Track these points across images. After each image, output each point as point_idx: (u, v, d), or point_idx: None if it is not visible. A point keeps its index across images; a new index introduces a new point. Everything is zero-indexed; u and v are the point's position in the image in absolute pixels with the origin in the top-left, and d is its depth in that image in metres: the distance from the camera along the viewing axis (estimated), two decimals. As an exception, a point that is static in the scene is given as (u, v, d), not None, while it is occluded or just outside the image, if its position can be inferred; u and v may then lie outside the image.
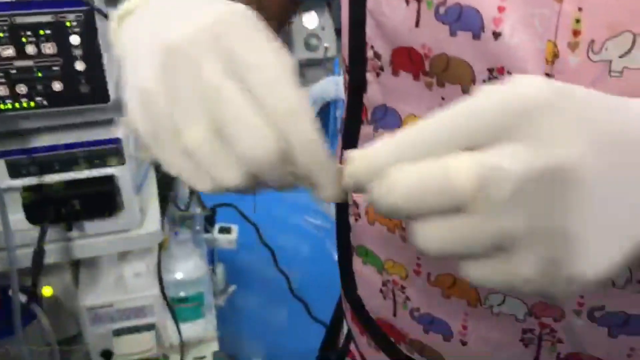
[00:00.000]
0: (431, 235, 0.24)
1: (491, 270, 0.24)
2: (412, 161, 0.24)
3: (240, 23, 0.28)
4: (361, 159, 0.26)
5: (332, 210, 1.15)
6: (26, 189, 0.81)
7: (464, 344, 0.45)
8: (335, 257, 1.29)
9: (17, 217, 0.80)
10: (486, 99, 0.24)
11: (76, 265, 1.11)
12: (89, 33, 0.71)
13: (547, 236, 0.24)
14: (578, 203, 0.24)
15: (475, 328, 0.44)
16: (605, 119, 0.25)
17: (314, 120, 0.27)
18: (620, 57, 0.33)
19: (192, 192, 1.26)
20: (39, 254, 0.81)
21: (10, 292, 0.84)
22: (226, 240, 1.44)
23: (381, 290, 0.48)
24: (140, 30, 0.32)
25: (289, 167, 0.27)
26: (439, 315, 0.45)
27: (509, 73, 0.36)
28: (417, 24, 0.39)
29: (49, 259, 0.86)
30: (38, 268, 0.82)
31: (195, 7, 0.29)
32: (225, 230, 1.46)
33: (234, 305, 1.66)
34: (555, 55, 0.35)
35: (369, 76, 0.44)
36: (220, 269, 1.56)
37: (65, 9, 0.69)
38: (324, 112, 1.14)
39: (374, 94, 0.45)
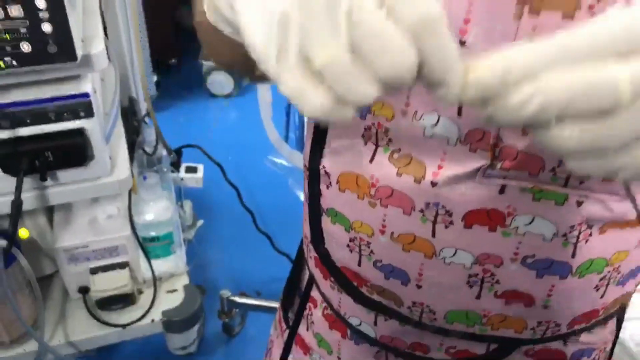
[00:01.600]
0: (574, 134, 0.26)
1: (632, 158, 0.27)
2: (564, 67, 0.26)
3: None
4: (492, 66, 0.27)
5: (291, 156, 1.22)
6: (1, 142, 0.85)
7: (419, 287, 0.52)
8: (297, 194, 1.37)
9: (-7, 169, 0.85)
10: None
11: (50, 208, 1.16)
12: (54, -4, 0.74)
13: None
14: None
15: (430, 275, 0.51)
16: None
17: (446, 23, 0.26)
18: None
19: (158, 137, 1.31)
20: (17, 203, 0.87)
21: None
22: (193, 179, 1.50)
23: (348, 245, 0.54)
24: None
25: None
26: (399, 265, 0.52)
27: None
28: None
29: (27, 206, 0.92)
30: (17, 217, 0.88)
31: None
32: (191, 170, 1.52)
33: (202, 239, 1.74)
34: None
35: None
36: (188, 205, 1.63)
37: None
38: None
39: None
